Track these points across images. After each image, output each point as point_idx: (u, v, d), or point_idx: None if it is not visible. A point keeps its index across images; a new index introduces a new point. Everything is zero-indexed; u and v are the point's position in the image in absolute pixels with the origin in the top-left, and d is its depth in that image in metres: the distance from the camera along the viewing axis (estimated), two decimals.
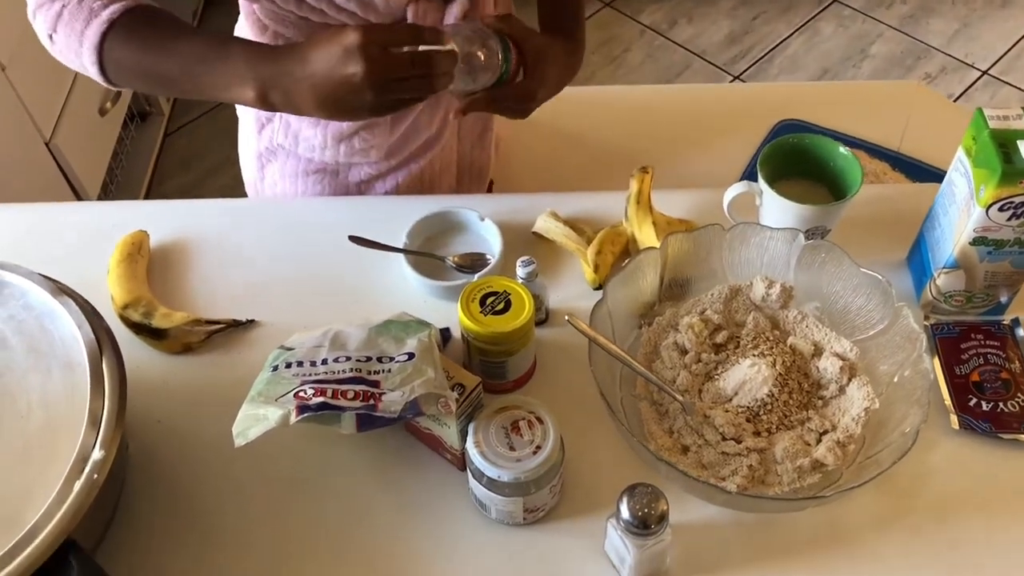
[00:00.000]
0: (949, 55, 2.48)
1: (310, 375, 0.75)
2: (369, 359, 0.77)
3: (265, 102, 0.80)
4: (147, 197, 2.17)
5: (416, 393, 0.72)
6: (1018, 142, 0.78)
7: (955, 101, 2.37)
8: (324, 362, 0.77)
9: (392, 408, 0.71)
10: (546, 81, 0.92)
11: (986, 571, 0.76)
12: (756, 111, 1.33)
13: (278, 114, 1.03)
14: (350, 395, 0.72)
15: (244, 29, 0.97)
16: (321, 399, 0.71)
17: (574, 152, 1.28)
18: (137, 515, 0.81)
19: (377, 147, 1.03)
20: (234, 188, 1.19)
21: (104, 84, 0.86)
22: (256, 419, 0.71)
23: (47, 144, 1.74)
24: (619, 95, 1.47)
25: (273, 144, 1.05)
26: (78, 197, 1.84)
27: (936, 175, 0.84)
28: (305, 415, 0.70)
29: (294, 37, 0.93)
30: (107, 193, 2.00)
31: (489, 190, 1.29)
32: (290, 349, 0.80)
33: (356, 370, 0.75)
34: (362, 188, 1.08)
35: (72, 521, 0.67)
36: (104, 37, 0.82)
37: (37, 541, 0.66)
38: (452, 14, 0.91)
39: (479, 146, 1.14)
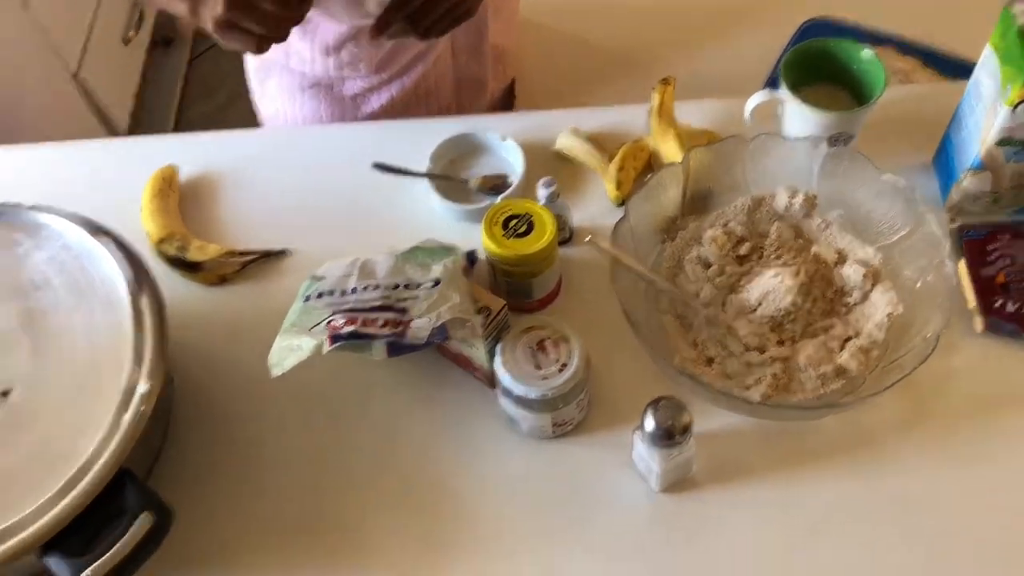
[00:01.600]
0: None
1: (341, 304, 0.77)
2: (397, 287, 0.79)
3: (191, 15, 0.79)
4: (176, 125, 2.19)
5: (443, 319, 0.74)
6: None
7: None
8: (354, 291, 0.79)
9: (420, 335, 0.73)
10: None
11: (1009, 472, 0.78)
12: (782, 8, 1.30)
13: None
14: (380, 323, 0.74)
15: None
16: (352, 328, 0.73)
17: (593, 60, 1.26)
18: (185, 443, 0.85)
19: (366, 61, 1.04)
20: (255, 115, 1.20)
21: None
22: (291, 349, 0.74)
23: (75, 77, 1.75)
24: None
25: (269, 61, 1.06)
26: (108, 129, 1.86)
27: (969, 70, 0.82)
28: (337, 344, 0.73)
29: None
30: (137, 123, 2.01)
31: (511, 93, 1.28)
32: (320, 279, 0.82)
33: (385, 298, 0.77)
34: (357, 101, 1.09)
35: (123, 452, 0.71)
36: None
37: (93, 471, 0.70)
38: None
39: (475, 59, 1.14)
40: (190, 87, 2.30)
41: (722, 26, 1.28)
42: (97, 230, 0.84)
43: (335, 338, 0.73)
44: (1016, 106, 0.77)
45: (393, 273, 0.81)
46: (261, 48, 0.78)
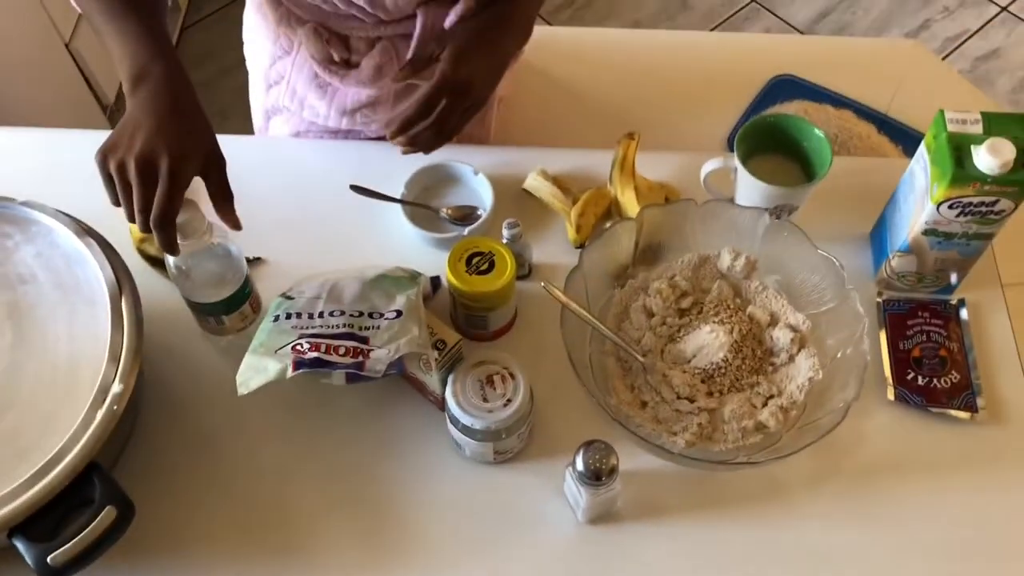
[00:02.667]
0: None
1: (307, 328, 0.83)
2: (361, 314, 0.85)
3: (128, 92, 0.85)
4: None
5: (401, 352, 0.81)
6: (972, 147, 0.83)
7: (970, 38, 2.37)
8: (321, 315, 0.85)
9: (377, 367, 0.79)
10: (468, 60, 0.91)
11: (905, 532, 0.86)
12: (751, 64, 1.37)
13: (285, 79, 1.08)
14: (341, 351, 0.80)
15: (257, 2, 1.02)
16: (315, 354, 0.79)
17: (571, 103, 1.32)
18: (152, 435, 0.91)
19: (379, 120, 1.08)
20: (244, 89, 1.22)
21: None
22: (257, 370, 0.80)
23: (67, 46, 1.78)
24: (618, 39, 1.50)
25: (279, 104, 1.11)
26: (97, 98, 1.89)
27: (919, 141, 0.89)
28: (300, 371, 0.79)
29: (304, 15, 0.97)
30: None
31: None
32: (291, 299, 0.88)
33: (348, 325, 0.83)
34: None
35: (94, 448, 0.77)
36: None
37: (63, 464, 0.76)
38: (456, 11, 0.94)
39: (479, 124, 1.19)
40: (181, 58, 2.32)
41: (692, 79, 1.34)
42: (83, 231, 0.89)
43: (298, 363, 0.79)
44: (939, 204, 0.85)
45: (360, 300, 0.87)
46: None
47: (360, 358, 0.80)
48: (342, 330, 0.83)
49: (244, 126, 1.27)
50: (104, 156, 0.80)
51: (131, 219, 0.81)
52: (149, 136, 0.80)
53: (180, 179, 0.79)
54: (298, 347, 0.81)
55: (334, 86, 1.05)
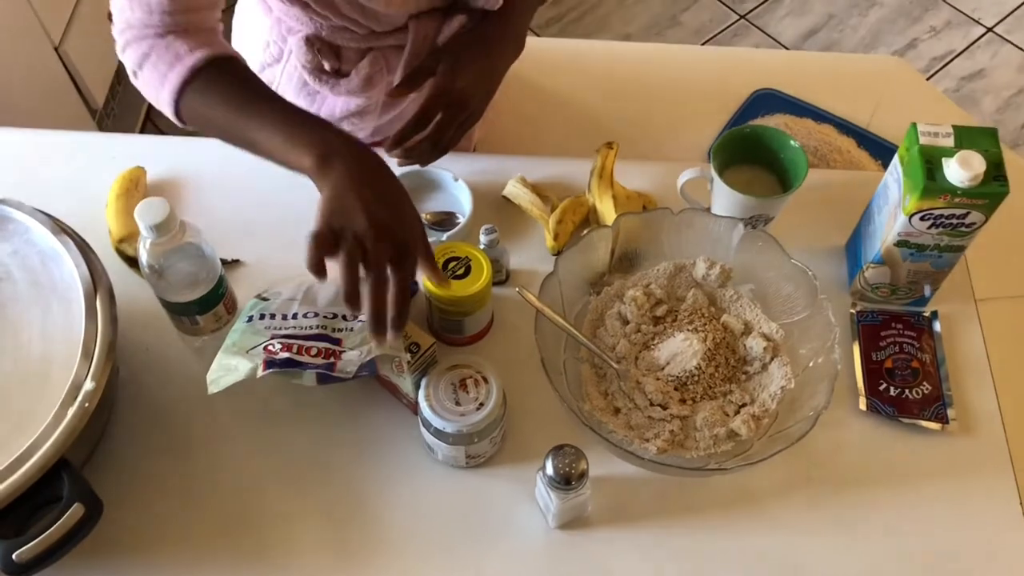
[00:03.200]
0: (957, 9, 2.48)
1: (280, 328, 0.83)
2: (335, 316, 0.85)
3: (317, 171, 0.80)
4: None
5: (373, 353, 0.81)
6: (943, 159, 0.84)
7: (956, 57, 2.39)
8: (295, 316, 0.85)
9: (348, 369, 0.80)
10: (464, 73, 0.92)
11: (874, 541, 0.86)
12: (735, 77, 1.38)
13: (274, 85, 1.08)
14: (313, 351, 0.81)
15: (249, 5, 1.02)
16: (287, 355, 0.80)
17: (553, 113, 1.33)
18: (124, 433, 0.91)
19: (366, 129, 1.09)
20: None
21: (177, 123, 0.91)
22: (228, 369, 0.80)
23: (56, 49, 1.79)
24: (602, 51, 1.51)
25: None
26: (85, 102, 1.89)
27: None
28: (271, 370, 0.79)
29: (295, 27, 0.98)
30: (113, 95, 2.05)
31: None
32: (265, 300, 0.88)
33: (322, 327, 0.84)
34: None
35: (64, 445, 0.77)
36: (185, 85, 0.85)
37: (33, 460, 0.76)
38: (451, 27, 0.95)
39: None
40: None
41: (675, 91, 1.35)
42: (60, 229, 0.89)
43: (269, 363, 0.79)
44: (911, 216, 0.86)
45: (335, 302, 0.87)
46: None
47: (332, 359, 0.80)
48: (315, 331, 0.83)
49: None
50: (324, 244, 0.75)
51: (355, 307, 0.74)
52: (369, 224, 0.75)
53: (410, 271, 0.77)
54: (270, 347, 0.81)
55: (323, 95, 1.06)
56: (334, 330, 0.84)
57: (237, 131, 0.85)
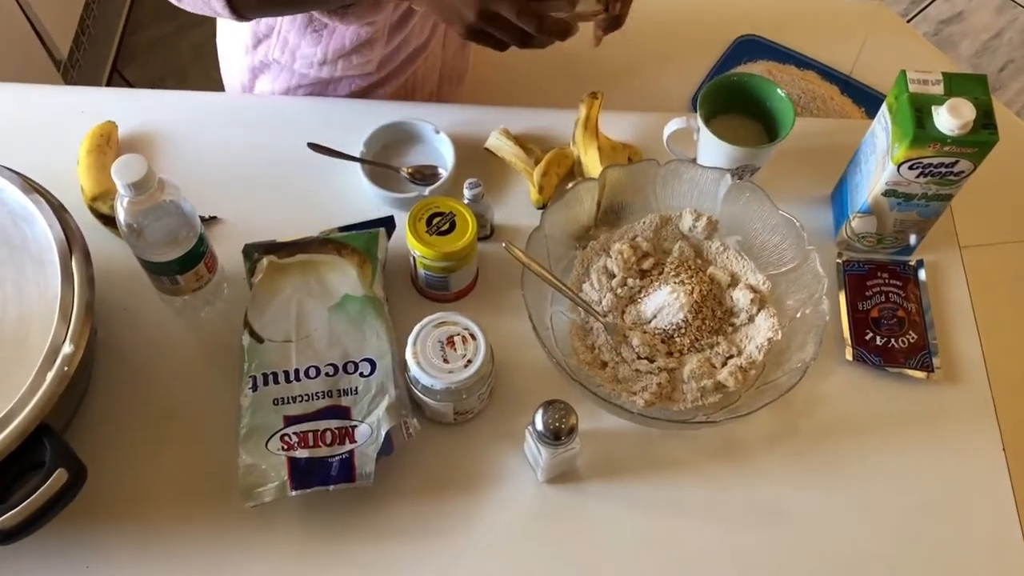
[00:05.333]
0: None
1: (287, 399, 0.84)
2: (336, 369, 0.85)
3: None
4: (118, 50, 2.16)
5: (383, 427, 0.82)
6: (933, 107, 0.83)
7: (934, 1, 2.37)
8: (297, 375, 0.85)
9: (367, 470, 0.81)
10: None
11: (861, 490, 0.87)
12: (717, 22, 1.36)
13: (275, 30, 1.04)
14: (328, 439, 0.82)
15: None
16: (306, 454, 0.81)
17: (536, 58, 1.29)
18: (105, 395, 0.90)
19: (372, 60, 1.06)
20: (205, 46, 1.20)
21: (231, 17, 0.88)
22: (257, 476, 0.81)
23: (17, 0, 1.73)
24: None
25: (268, 59, 1.08)
26: (49, 53, 1.83)
27: (881, 103, 0.89)
28: (298, 492, 0.81)
29: None
30: (78, 46, 1.99)
31: None
32: (260, 341, 0.86)
33: (328, 393, 0.84)
34: (349, 99, 1.11)
35: (44, 409, 0.75)
36: None
37: (12, 425, 0.74)
38: None
39: (461, 53, 1.17)
40: (138, 11, 2.25)
41: (658, 36, 1.33)
42: (31, 188, 0.86)
43: (295, 480, 0.81)
44: (900, 165, 0.85)
45: (330, 342, 0.86)
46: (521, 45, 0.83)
47: (347, 443, 0.82)
48: (322, 401, 0.84)
49: (204, 85, 1.24)
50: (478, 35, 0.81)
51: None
52: None
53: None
54: (287, 438, 0.82)
55: (330, 28, 1.02)
56: (340, 393, 0.84)
57: None
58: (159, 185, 0.80)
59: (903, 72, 0.85)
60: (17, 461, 0.75)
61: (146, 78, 2.15)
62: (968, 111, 0.82)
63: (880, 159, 0.88)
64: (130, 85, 2.13)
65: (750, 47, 1.32)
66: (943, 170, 0.85)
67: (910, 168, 0.85)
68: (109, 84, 2.12)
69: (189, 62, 2.14)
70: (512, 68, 1.29)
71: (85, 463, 0.76)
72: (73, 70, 1.95)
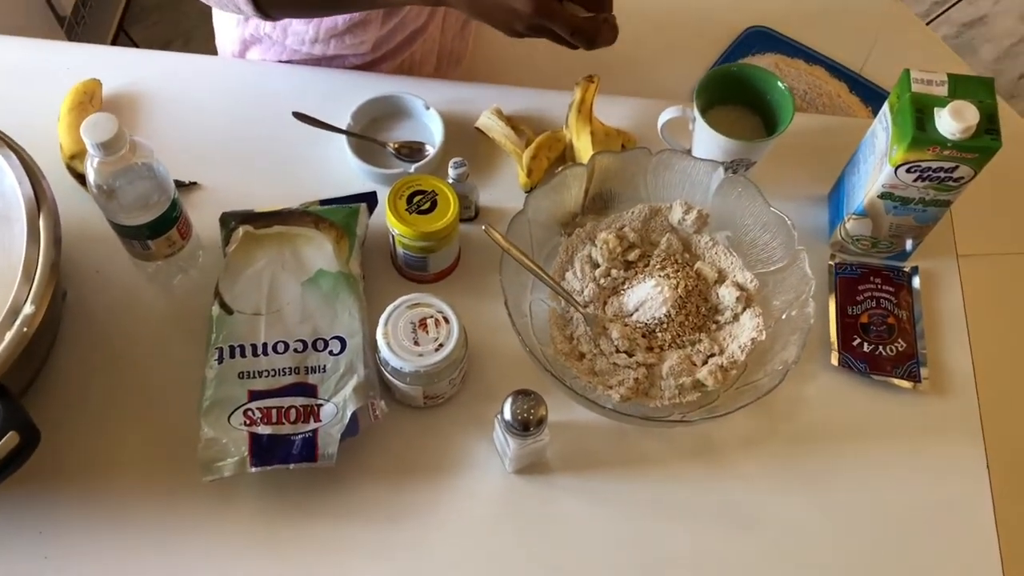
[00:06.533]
0: None
1: (253, 373, 0.81)
2: (305, 346, 0.83)
3: None
4: (126, 9, 2.14)
5: (349, 407, 0.80)
6: (935, 109, 0.80)
7: (958, 2, 2.32)
8: (264, 349, 0.82)
9: (329, 451, 0.79)
10: None
11: (837, 497, 0.85)
12: (727, 12, 1.32)
13: None
14: (292, 416, 0.80)
15: None
16: (269, 430, 0.79)
17: (542, 41, 1.27)
18: (71, 361, 0.88)
19: (367, 41, 1.03)
20: (209, 12, 1.16)
21: (256, 15, 0.87)
22: (217, 451, 0.79)
23: None
24: None
25: (259, 32, 1.05)
26: (52, 8, 1.81)
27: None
28: (257, 468, 0.78)
29: None
30: (84, 3, 1.96)
31: None
32: (229, 312, 0.84)
33: (295, 369, 0.82)
34: None
35: (1, 369, 0.73)
36: None
37: None
38: None
39: (460, 36, 1.15)
40: None
41: (666, 24, 1.30)
42: (3, 143, 0.84)
43: (256, 455, 0.78)
44: (897, 167, 0.82)
45: (301, 318, 0.84)
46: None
47: (311, 421, 0.80)
48: (289, 377, 0.81)
49: (208, 49, 1.20)
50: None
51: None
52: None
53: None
54: (250, 413, 0.80)
55: None
56: (308, 371, 0.82)
57: None
58: (131, 146, 0.78)
59: (906, 71, 0.82)
60: None
61: (152, 39, 2.12)
62: (971, 114, 0.78)
63: (878, 160, 0.85)
64: (136, 45, 2.11)
65: (759, 39, 1.29)
66: (942, 175, 0.82)
67: (908, 171, 0.82)
68: (115, 43, 2.10)
69: (195, 25, 2.11)
70: (513, 51, 1.26)
71: (44, 427, 0.74)
72: (78, 27, 1.93)
